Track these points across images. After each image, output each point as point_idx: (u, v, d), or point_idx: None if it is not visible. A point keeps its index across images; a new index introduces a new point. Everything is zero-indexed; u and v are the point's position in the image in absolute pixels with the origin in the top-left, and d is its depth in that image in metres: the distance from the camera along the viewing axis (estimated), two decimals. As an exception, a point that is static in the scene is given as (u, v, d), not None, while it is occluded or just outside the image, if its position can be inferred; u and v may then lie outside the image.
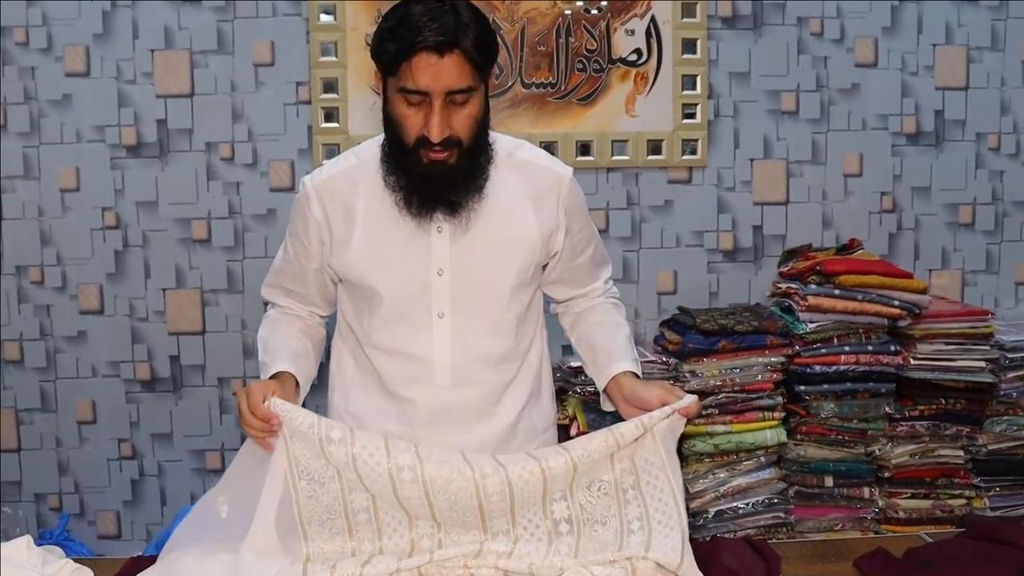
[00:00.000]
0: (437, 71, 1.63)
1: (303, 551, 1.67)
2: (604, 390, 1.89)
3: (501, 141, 1.85)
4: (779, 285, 3.23)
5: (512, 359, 1.89)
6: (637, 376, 1.85)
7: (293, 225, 1.91)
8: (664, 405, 1.70)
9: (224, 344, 3.25)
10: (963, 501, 3.10)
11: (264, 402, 1.65)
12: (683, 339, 3.02)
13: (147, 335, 3.26)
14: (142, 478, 3.32)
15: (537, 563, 1.65)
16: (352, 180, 1.84)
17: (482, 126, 1.75)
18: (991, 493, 3.11)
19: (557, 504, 1.69)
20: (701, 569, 1.63)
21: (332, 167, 1.88)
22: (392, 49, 1.64)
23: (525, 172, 1.85)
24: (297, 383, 1.81)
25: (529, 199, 1.84)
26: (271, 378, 1.78)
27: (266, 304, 2.04)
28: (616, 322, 1.98)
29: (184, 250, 3.23)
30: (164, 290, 3.25)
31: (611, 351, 1.90)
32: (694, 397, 1.72)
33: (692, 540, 1.65)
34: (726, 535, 2.88)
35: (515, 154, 1.87)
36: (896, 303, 3.03)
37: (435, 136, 1.66)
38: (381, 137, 1.83)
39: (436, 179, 1.72)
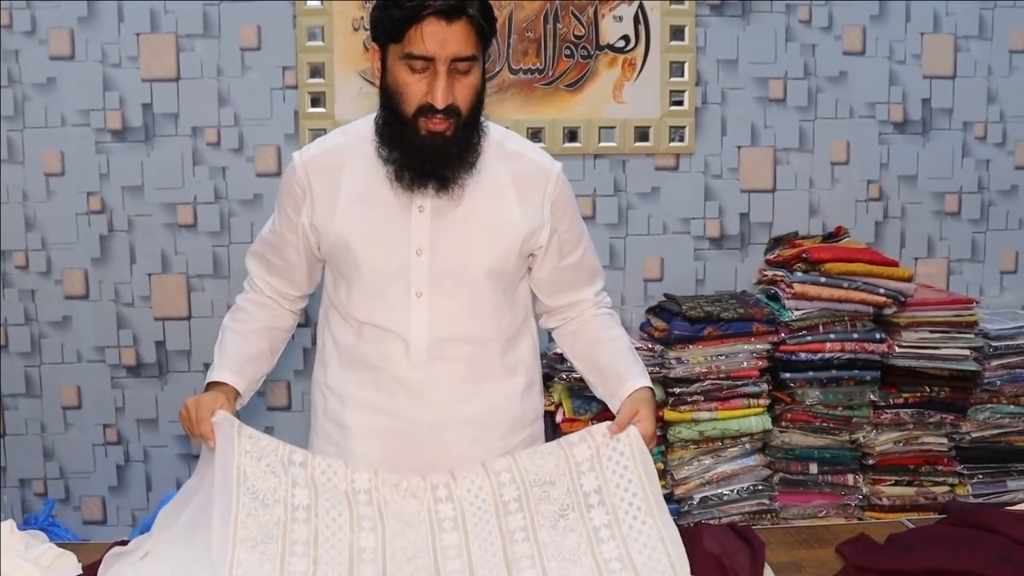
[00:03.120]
0: (445, 37, 1.65)
1: None
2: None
3: (492, 128, 1.86)
4: (765, 272, 3.24)
5: (492, 342, 1.88)
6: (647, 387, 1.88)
7: (280, 197, 1.91)
8: (626, 423, 1.78)
9: (210, 329, 3.21)
10: (946, 488, 3.12)
11: (212, 417, 1.74)
12: (669, 326, 3.02)
13: (132, 320, 3.25)
14: (127, 464, 3.31)
15: None
16: (339, 156, 1.85)
17: (479, 100, 1.76)
18: (974, 480, 3.14)
19: (519, 547, 1.66)
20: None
21: (321, 143, 1.90)
22: (399, 15, 1.66)
23: (513, 163, 1.86)
24: (238, 393, 1.87)
25: (515, 189, 1.84)
26: (213, 386, 1.85)
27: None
28: (614, 336, 1.97)
29: (170, 235, 3.22)
30: (150, 275, 3.23)
31: (618, 372, 1.90)
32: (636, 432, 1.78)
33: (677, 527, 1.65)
34: (710, 521, 2.89)
35: (504, 144, 1.87)
36: (881, 291, 3.04)
37: (440, 102, 1.67)
38: (372, 115, 1.84)
39: (431, 152, 1.73)
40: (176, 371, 3.27)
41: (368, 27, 1.81)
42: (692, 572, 1.60)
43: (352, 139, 1.86)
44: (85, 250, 3.20)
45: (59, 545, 1.76)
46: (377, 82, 1.78)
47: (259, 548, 1.59)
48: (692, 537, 1.73)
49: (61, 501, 3.29)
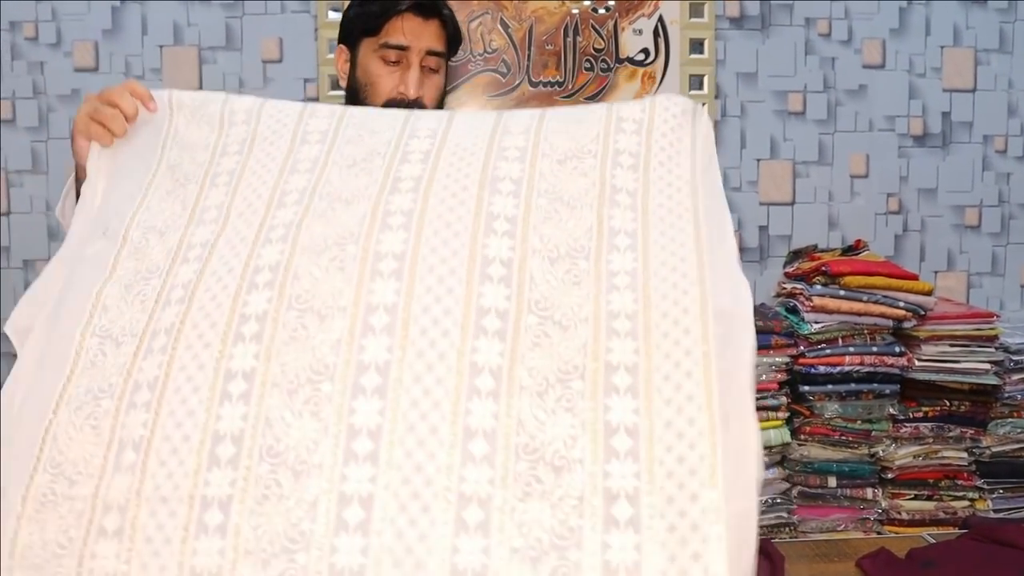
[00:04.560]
0: (421, 31, 1.77)
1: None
2: None
3: None
4: (784, 285, 3.23)
5: None
6: None
7: None
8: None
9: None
10: (966, 503, 3.10)
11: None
12: (688, 338, 3.01)
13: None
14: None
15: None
16: None
17: (442, 104, 1.87)
18: (994, 495, 3.11)
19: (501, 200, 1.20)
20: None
21: None
22: (378, 9, 1.75)
23: None
24: None
25: None
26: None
27: None
28: None
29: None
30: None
31: None
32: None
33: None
34: (729, 534, 2.89)
35: None
36: (901, 304, 3.02)
37: (412, 91, 1.77)
38: None
39: None
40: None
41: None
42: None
43: None
44: (107, 260, 3.23)
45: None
46: (344, 82, 1.86)
47: (176, 191, 1.32)
48: (712, 550, 1.74)
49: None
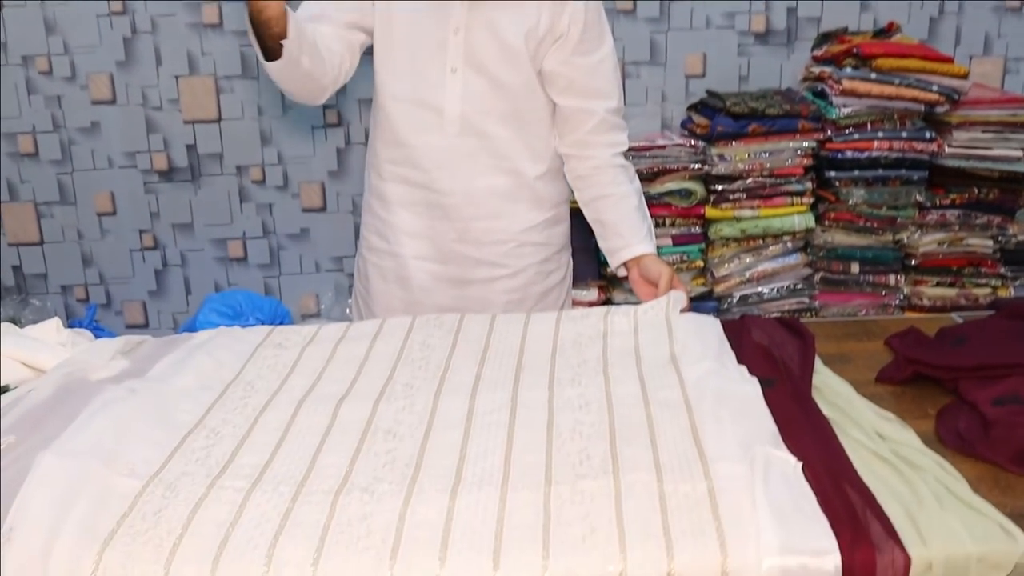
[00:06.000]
0: None
1: None
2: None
3: None
4: (812, 69, 3.11)
5: (519, 125, 1.98)
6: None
7: None
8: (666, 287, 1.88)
9: (241, 131, 3.19)
10: (988, 290, 3.08)
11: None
12: (712, 122, 2.93)
13: (162, 124, 3.19)
14: (165, 268, 3.33)
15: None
16: None
17: None
18: (1017, 283, 3.10)
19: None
20: (732, 347, 1.61)
21: None
22: None
23: None
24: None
25: None
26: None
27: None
28: (624, 192, 2.03)
29: (195, 35, 3.12)
30: (177, 77, 3.16)
31: (620, 232, 2.01)
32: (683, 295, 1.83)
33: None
34: (750, 321, 2.89)
35: None
36: (934, 88, 2.91)
37: None
38: None
39: None
40: (209, 175, 3.24)
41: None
42: (740, 362, 1.58)
43: None
44: (109, 53, 3.12)
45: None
46: None
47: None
48: (739, 328, 1.71)
49: (103, 306, 3.33)
